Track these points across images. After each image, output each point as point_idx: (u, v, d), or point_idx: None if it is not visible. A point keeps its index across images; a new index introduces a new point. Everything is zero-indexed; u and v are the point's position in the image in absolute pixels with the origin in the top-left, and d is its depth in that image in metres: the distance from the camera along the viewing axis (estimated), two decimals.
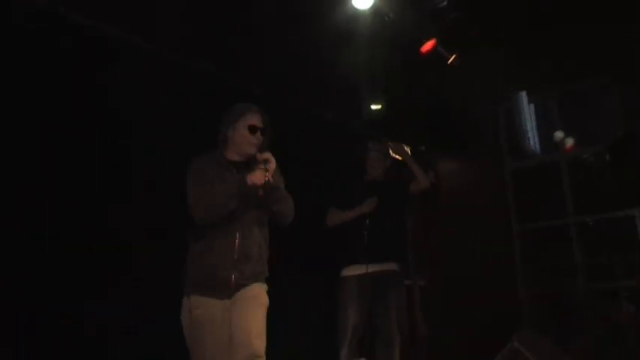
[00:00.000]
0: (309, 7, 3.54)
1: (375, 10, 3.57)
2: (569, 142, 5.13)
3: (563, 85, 4.90)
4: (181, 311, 2.47)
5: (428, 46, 3.82)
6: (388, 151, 3.91)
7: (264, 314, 2.49)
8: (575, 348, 3.84)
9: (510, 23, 4.36)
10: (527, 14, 4.23)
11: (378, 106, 4.74)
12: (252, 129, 2.55)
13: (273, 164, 2.44)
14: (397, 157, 3.95)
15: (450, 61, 3.95)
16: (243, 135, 2.55)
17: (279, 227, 2.64)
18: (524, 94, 5.39)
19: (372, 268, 3.50)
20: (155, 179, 3.08)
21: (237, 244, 2.43)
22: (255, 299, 2.48)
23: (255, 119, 2.58)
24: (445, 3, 3.70)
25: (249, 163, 2.52)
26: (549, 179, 4.99)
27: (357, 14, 3.59)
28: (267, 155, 2.46)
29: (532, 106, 5.50)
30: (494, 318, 4.45)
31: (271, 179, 2.43)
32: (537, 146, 5.50)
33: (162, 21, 3.19)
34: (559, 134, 5.16)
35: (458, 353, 4.58)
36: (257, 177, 2.41)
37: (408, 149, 3.99)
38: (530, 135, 5.40)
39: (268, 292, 2.57)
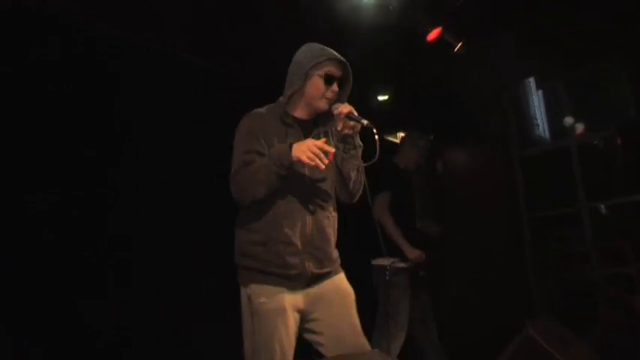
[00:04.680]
0: None
1: (379, 0, 3.55)
2: (580, 127, 5.08)
3: (572, 70, 4.84)
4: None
5: (434, 34, 3.78)
6: None
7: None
8: (589, 334, 3.82)
9: (517, 8, 4.31)
10: None
11: (385, 97, 4.71)
12: (329, 79, 2.13)
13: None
14: None
15: (456, 49, 3.91)
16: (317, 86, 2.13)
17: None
18: (532, 81, 5.34)
19: None
20: (157, 180, 3.06)
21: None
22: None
23: (333, 68, 2.15)
24: None
25: (317, 122, 2.19)
26: (560, 165, 4.95)
27: (361, 4, 3.57)
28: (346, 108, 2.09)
29: (541, 92, 5.45)
30: (506, 306, 4.44)
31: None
32: (546, 133, 5.46)
33: (166, 18, 3.17)
34: (569, 120, 5.11)
35: (470, 342, 4.57)
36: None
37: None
38: (539, 121, 5.36)
39: None
